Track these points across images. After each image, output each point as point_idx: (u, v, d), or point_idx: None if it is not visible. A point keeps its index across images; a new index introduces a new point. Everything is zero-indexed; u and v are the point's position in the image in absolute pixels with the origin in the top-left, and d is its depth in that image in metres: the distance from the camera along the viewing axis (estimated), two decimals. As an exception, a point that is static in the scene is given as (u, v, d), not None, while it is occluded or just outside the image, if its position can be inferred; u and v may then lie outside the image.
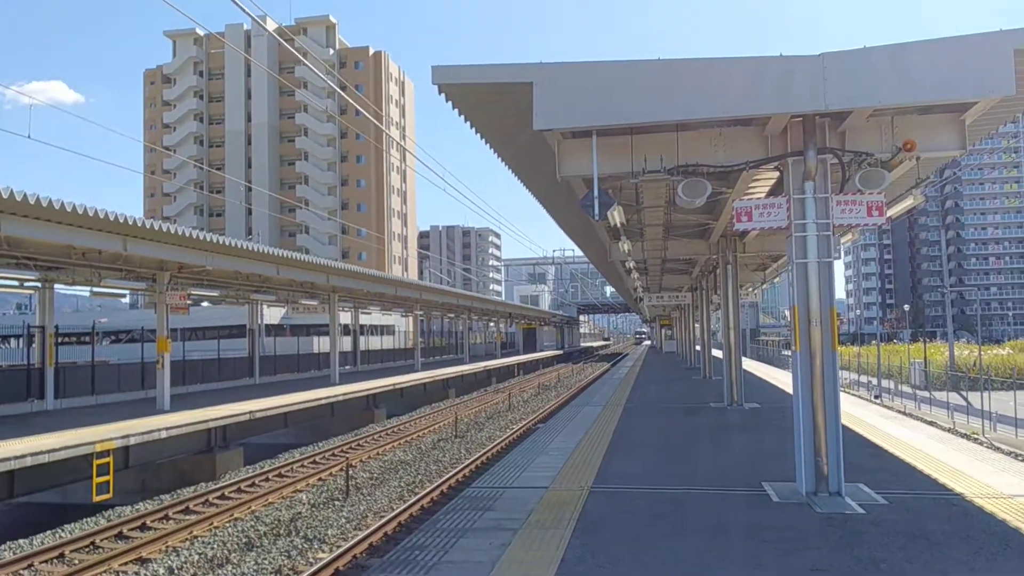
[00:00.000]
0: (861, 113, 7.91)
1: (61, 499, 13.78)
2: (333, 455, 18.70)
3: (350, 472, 15.27)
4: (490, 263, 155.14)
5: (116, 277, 18.83)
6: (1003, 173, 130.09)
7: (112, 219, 14.20)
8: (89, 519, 12.74)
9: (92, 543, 11.21)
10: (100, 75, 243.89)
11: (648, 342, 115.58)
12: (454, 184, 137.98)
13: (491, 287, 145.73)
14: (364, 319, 46.35)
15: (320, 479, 15.87)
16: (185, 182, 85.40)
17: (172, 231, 16.45)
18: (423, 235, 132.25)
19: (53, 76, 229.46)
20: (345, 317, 40.72)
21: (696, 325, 36.98)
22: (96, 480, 12.87)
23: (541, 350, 78.63)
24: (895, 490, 8.38)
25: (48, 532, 12.00)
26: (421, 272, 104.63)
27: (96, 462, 12.92)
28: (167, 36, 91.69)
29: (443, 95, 8.16)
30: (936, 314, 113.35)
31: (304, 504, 13.41)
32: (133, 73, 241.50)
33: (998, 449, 16.22)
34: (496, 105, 8.73)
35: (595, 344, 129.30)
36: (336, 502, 13.68)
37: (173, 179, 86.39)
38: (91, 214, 13.57)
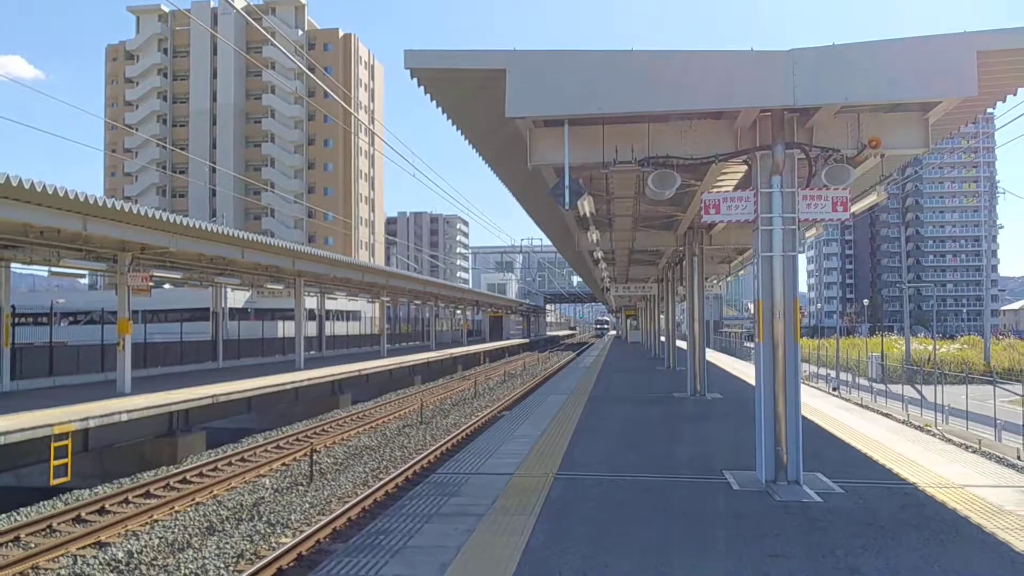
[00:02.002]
0: (829, 109, 8.05)
1: (16, 482, 13.51)
2: (297, 440, 18.60)
3: (314, 457, 15.20)
4: (458, 250, 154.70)
5: (76, 257, 18.41)
6: (962, 173, 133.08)
7: (72, 197, 13.88)
8: (46, 502, 12.52)
9: (49, 527, 11.03)
10: (61, 51, 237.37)
11: (613, 332, 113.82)
12: (423, 170, 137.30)
13: (458, 274, 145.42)
14: (330, 304, 45.97)
15: (284, 464, 15.78)
16: (148, 161, 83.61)
17: (134, 211, 16.14)
18: (391, 221, 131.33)
19: (12, 51, 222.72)
20: (311, 302, 40.35)
21: (661, 316, 37.35)
22: (54, 463, 12.64)
23: (507, 338, 78.80)
24: (851, 479, 8.59)
25: (3, 515, 11.77)
26: (388, 258, 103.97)
27: (54, 445, 12.68)
28: (131, 11, 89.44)
29: (415, 80, 8.10)
30: (894, 309, 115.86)
31: (267, 489, 13.33)
32: (95, 50, 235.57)
33: (950, 441, 16.71)
34: (468, 91, 8.69)
35: (561, 333, 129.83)
36: (300, 487, 13.62)
37: (135, 158, 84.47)
38: (50, 192, 13.24)
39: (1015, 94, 8.17)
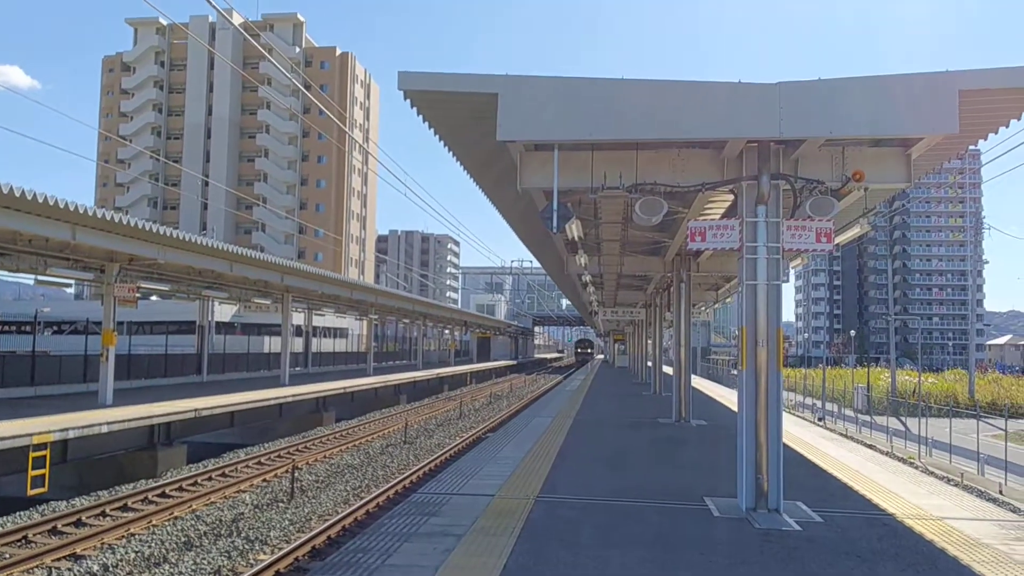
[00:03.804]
0: (814, 142, 8.18)
1: (-7, 491, 13.37)
2: (279, 456, 18.46)
3: (296, 474, 15.09)
4: (448, 270, 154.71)
5: (63, 266, 18.31)
6: (948, 208, 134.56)
7: (62, 206, 13.86)
8: (22, 513, 12.36)
9: (24, 537, 10.89)
10: (58, 62, 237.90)
11: (601, 356, 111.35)
12: (415, 189, 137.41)
13: (448, 294, 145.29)
14: (317, 321, 45.83)
15: (265, 480, 15.65)
16: (140, 173, 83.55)
17: (123, 221, 16.12)
18: (381, 239, 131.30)
19: (9, 60, 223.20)
20: (298, 318, 40.24)
21: (649, 341, 37.42)
22: (31, 473, 12.51)
23: (495, 359, 78.65)
24: (831, 509, 8.62)
25: (-23, 525, 11.62)
26: (378, 276, 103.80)
27: (32, 455, 12.55)
28: (129, 23, 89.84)
29: (409, 101, 8.20)
30: (881, 341, 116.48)
31: (247, 505, 13.22)
32: (92, 61, 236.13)
33: (932, 473, 16.78)
34: (460, 114, 8.79)
35: (549, 356, 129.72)
36: (280, 504, 13.51)
37: (128, 169, 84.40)
38: (40, 200, 13.23)
39: (996, 132, 8.34)
